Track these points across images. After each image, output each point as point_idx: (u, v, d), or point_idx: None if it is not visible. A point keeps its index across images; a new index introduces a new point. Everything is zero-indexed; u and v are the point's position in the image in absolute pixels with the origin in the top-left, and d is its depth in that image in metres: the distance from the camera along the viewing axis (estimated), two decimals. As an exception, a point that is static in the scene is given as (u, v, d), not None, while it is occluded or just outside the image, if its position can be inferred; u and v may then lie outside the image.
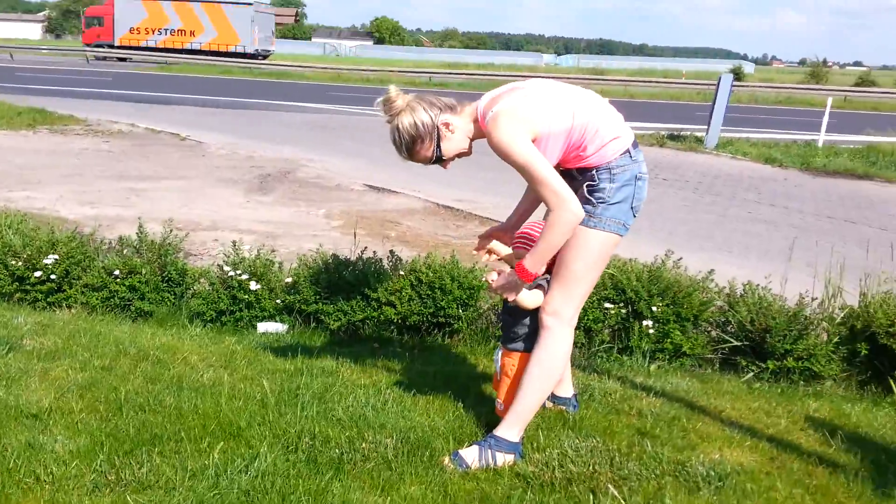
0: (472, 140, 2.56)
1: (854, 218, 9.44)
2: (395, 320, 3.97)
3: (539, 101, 2.41)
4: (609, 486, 2.30)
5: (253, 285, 4.15)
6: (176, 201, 8.44)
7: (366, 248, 4.43)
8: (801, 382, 3.49)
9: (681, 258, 3.92)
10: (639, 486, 2.33)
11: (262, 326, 4.17)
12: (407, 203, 9.63)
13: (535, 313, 2.53)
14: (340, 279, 4.10)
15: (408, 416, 2.79)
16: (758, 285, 3.83)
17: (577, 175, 2.50)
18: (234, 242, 4.46)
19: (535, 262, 2.37)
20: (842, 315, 3.59)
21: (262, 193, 9.45)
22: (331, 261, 4.23)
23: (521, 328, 2.58)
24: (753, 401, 3.19)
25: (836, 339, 3.51)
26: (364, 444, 2.54)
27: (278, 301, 4.18)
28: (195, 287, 4.42)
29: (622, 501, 2.23)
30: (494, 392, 2.73)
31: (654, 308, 3.68)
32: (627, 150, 2.45)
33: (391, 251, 4.32)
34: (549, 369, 2.51)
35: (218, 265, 4.41)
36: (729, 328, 3.74)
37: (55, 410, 2.75)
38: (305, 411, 2.78)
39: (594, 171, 2.44)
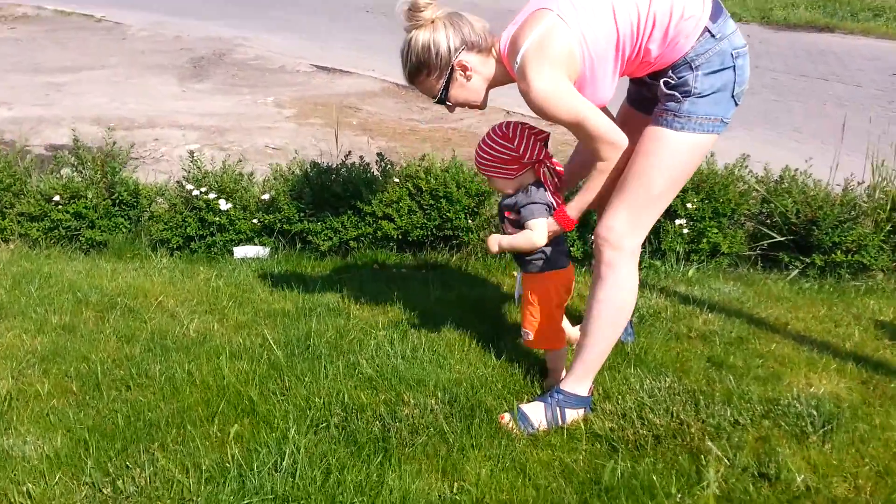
0: (495, 86, 2.10)
1: (826, 75, 9.12)
2: (395, 236, 3.47)
3: (567, 17, 1.87)
4: (708, 442, 1.96)
5: (223, 204, 3.56)
6: (102, 95, 7.48)
7: (350, 152, 3.85)
8: (848, 277, 3.19)
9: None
10: (739, 439, 1.99)
11: (240, 251, 3.63)
12: (363, 84, 8.82)
13: None
14: (326, 192, 3.55)
15: (445, 364, 2.38)
16: (796, 170, 3.45)
17: (648, 80, 2.02)
18: (191, 153, 3.80)
19: (580, 210, 2.10)
20: (887, 199, 3.26)
21: (197, 80, 8.50)
22: (311, 170, 3.64)
23: (539, 254, 2.18)
24: (813, 306, 2.89)
25: (888, 227, 3.19)
26: (406, 410, 2.13)
27: (255, 221, 3.62)
28: (152, 208, 3.79)
29: (728, 462, 1.89)
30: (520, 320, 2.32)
31: (688, 205, 3.27)
32: (706, 29, 1.91)
33: (380, 155, 3.75)
34: (618, 313, 2.09)
35: (177, 182, 3.77)
36: (769, 221, 3.37)
37: (16, 397, 2.23)
38: (326, 370, 2.33)
39: (668, 70, 1.94)
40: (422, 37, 2.00)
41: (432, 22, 2.00)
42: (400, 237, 3.48)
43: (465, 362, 2.40)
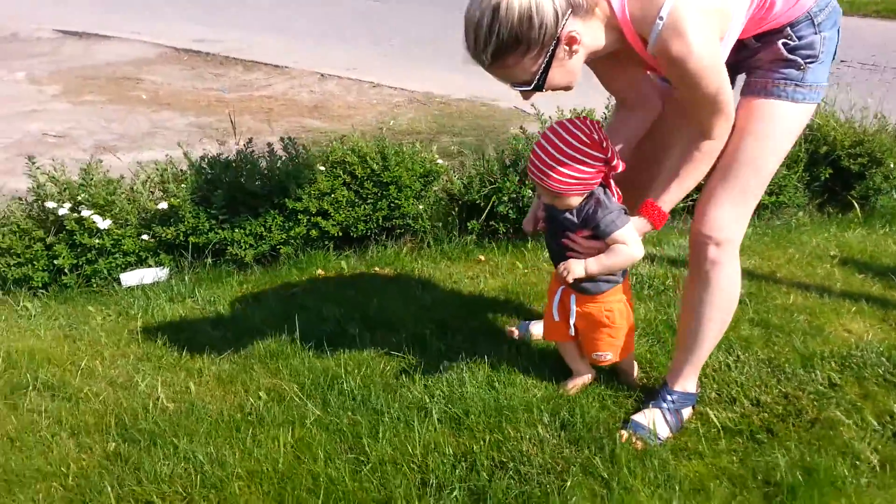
0: (588, 60, 1.67)
1: None
2: (335, 234, 2.96)
3: None
4: (833, 411, 1.92)
5: (101, 222, 2.74)
6: None
7: (251, 138, 3.19)
8: (772, 217, 3.40)
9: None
10: (848, 401, 1.98)
11: (131, 277, 2.85)
12: (132, 50, 7.57)
13: None
14: (241, 191, 2.90)
15: (511, 383, 2.05)
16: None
17: (754, 42, 1.76)
18: (29, 158, 2.87)
19: (675, 203, 1.79)
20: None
21: None
22: (212, 167, 2.95)
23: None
24: (777, 249, 3.01)
25: (801, 167, 3.43)
26: (523, 447, 1.79)
27: (145, 237, 2.85)
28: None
29: (872, 435, 1.86)
30: (554, 343, 2.10)
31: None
32: None
33: (287, 139, 3.16)
34: (728, 310, 1.89)
35: (18, 199, 2.83)
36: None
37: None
38: (397, 422, 1.88)
39: (787, 28, 1.71)
40: (517, 1, 1.47)
41: None
42: (339, 234, 2.97)
43: (516, 376, 2.08)
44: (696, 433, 1.88)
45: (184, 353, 2.27)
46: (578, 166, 1.71)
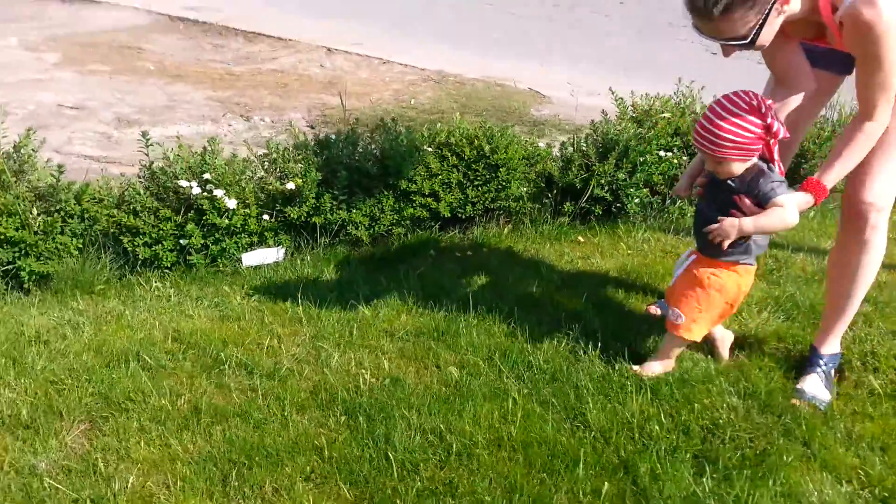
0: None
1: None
2: (445, 215, 3.06)
3: None
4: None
5: (229, 202, 2.77)
6: None
7: (357, 118, 3.24)
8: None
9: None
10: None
11: (252, 257, 2.88)
12: (124, 17, 7.31)
13: None
14: (359, 172, 2.96)
15: (680, 357, 2.22)
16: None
17: None
18: (177, 138, 2.85)
19: (836, 180, 1.92)
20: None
21: None
22: (333, 147, 3.01)
23: (741, 241, 2.00)
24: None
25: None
26: (723, 416, 1.98)
27: (266, 217, 2.88)
28: (100, 218, 2.78)
29: None
30: (666, 303, 2.19)
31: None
32: None
33: (392, 120, 3.22)
34: (875, 272, 2.14)
35: (144, 177, 2.82)
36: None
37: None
38: (600, 402, 2.03)
39: None
40: None
41: None
42: (448, 216, 3.08)
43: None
44: (858, 399, 2.11)
45: (354, 331, 2.35)
46: (738, 130, 1.84)
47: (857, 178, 2.00)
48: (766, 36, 1.75)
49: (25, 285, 2.60)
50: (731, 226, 1.91)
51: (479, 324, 2.39)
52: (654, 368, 2.12)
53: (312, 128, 5.35)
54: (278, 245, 2.92)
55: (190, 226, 2.70)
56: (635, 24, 9.33)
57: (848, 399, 2.12)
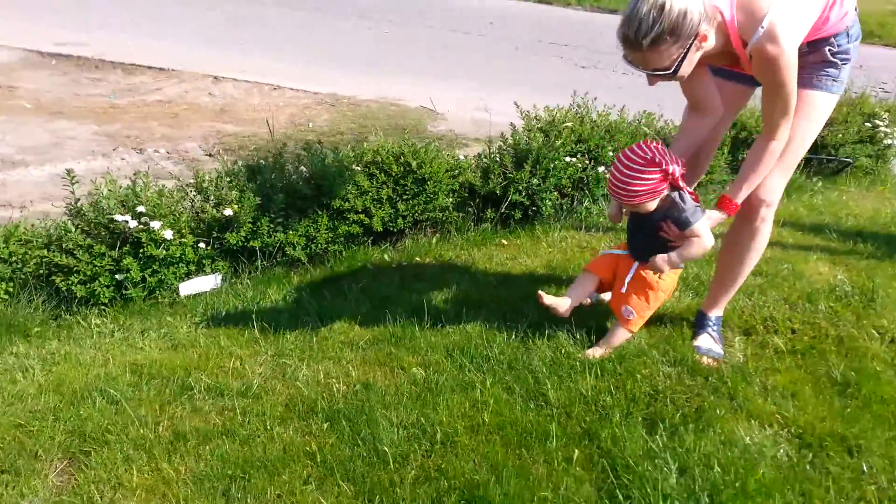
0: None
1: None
2: (378, 230, 3.21)
3: None
4: (854, 331, 2.58)
5: (167, 233, 2.78)
6: None
7: (285, 144, 3.32)
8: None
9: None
10: (859, 327, 2.64)
11: (190, 286, 2.90)
12: (-14, 55, 6.87)
13: None
14: (294, 194, 3.06)
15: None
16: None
17: (805, 47, 2.20)
18: (68, 172, 2.80)
19: (746, 194, 2.23)
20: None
21: None
22: (266, 172, 3.07)
23: (655, 250, 2.29)
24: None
25: (727, 150, 4.17)
26: (661, 383, 2.25)
27: (202, 245, 2.91)
28: (29, 259, 2.71)
29: (882, 340, 2.54)
30: (619, 301, 2.42)
31: (611, 153, 3.77)
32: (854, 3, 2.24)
33: (316, 142, 3.33)
34: (759, 255, 2.45)
35: (71, 214, 2.77)
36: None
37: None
38: (556, 383, 2.24)
39: (832, 38, 2.18)
40: (678, 4, 1.85)
41: None
42: (381, 230, 3.22)
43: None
44: (766, 357, 2.44)
45: (314, 345, 2.44)
46: (642, 181, 2.14)
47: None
48: (686, 68, 2.00)
49: (-44, 335, 2.49)
50: (663, 261, 2.23)
51: (431, 326, 2.54)
52: (599, 352, 2.36)
53: (210, 156, 5.32)
54: (215, 272, 2.94)
55: (127, 259, 2.68)
56: (509, 43, 9.83)
57: (758, 358, 2.44)
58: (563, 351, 2.37)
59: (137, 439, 1.93)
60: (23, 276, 2.64)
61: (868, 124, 4.59)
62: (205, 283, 2.91)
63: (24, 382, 2.22)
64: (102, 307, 2.71)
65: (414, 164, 3.21)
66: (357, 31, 9.75)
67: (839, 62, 2.23)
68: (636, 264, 2.38)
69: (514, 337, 2.45)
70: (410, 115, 6.38)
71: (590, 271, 2.46)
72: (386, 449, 1.91)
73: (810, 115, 2.26)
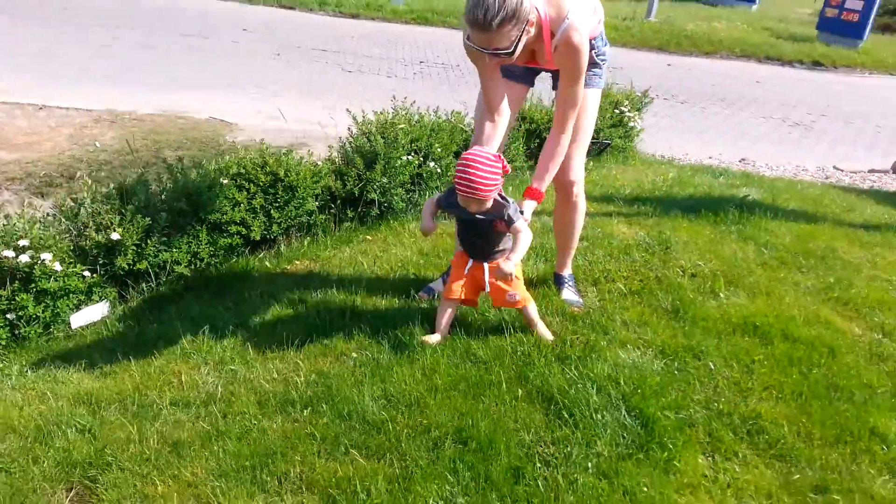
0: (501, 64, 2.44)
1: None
2: (256, 239, 3.37)
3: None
4: (668, 273, 3.36)
5: (56, 265, 2.70)
6: None
7: (147, 163, 3.28)
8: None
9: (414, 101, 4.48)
10: (668, 268, 3.45)
11: (79, 318, 2.84)
12: None
13: None
14: (173, 211, 3.10)
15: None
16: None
17: None
18: None
19: (546, 185, 2.65)
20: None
21: None
22: (128, 196, 3.06)
23: (503, 243, 2.69)
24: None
25: (522, 139, 4.90)
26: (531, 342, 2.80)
27: (86, 274, 2.86)
28: None
29: (689, 280, 3.35)
30: (490, 298, 2.75)
31: (438, 149, 4.27)
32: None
33: (178, 160, 3.36)
34: (583, 220, 3.04)
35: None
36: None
37: None
38: (450, 360, 2.67)
39: (593, 41, 2.66)
40: None
41: None
42: (258, 239, 3.38)
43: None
44: (612, 300, 3.10)
45: (249, 349, 2.59)
46: (491, 178, 2.49)
47: (563, 164, 2.78)
48: (518, 50, 2.30)
49: None
50: (507, 268, 2.49)
51: (348, 316, 2.81)
52: (543, 330, 2.73)
53: (-7, 186, 4.86)
54: (103, 299, 2.90)
55: (23, 296, 2.56)
56: (269, 49, 9.92)
57: (610, 301, 3.09)
58: (488, 315, 2.79)
59: (137, 455, 1.99)
60: None
61: (617, 111, 5.64)
62: (95, 311, 2.85)
63: (-40, 435, 2.10)
64: (-5, 350, 2.55)
65: (281, 172, 3.40)
66: (113, 43, 9.16)
67: (600, 63, 2.80)
68: (485, 263, 2.70)
69: (425, 309, 2.83)
70: (202, 127, 6.30)
71: (449, 300, 2.68)
72: (373, 418, 2.19)
73: (589, 109, 2.80)
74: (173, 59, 8.65)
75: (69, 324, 2.76)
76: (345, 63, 9.61)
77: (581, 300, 3.07)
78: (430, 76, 9.48)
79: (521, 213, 2.57)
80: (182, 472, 1.94)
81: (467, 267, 2.70)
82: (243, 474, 1.94)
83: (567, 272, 3.17)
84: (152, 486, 1.89)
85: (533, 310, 2.76)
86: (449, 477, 2.00)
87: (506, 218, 2.54)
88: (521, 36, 2.29)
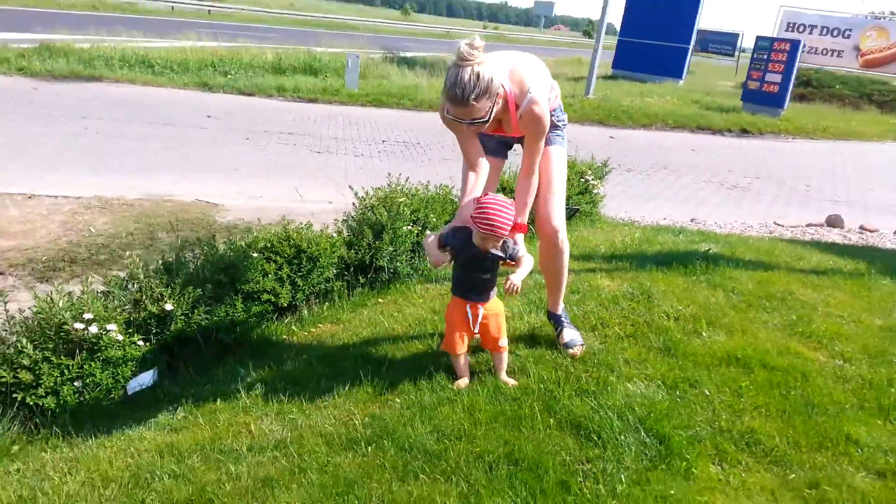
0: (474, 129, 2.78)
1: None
2: (284, 305, 3.68)
3: (544, 77, 3.04)
4: (656, 318, 3.80)
5: (118, 335, 2.97)
6: None
7: (186, 240, 3.58)
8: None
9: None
10: (656, 310, 3.89)
11: (135, 383, 3.08)
12: None
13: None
14: (214, 282, 3.40)
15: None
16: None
17: None
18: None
19: (526, 216, 3.02)
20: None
21: None
22: (193, 263, 3.36)
23: (494, 283, 3.06)
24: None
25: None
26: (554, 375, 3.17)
27: (140, 342, 3.12)
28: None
29: (677, 313, 3.78)
30: (479, 340, 3.08)
31: (434, 219, 4.68)
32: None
33: (212, 236, 3.68)
34: (567, 262, 3.28)
35: (20, 328, 2.79)
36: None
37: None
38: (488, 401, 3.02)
39: (554, 110, 3.13)
40: (484, 70, 2.58)
41: (486, 59, 2.63)
42: (284, 306, 3.69)
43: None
44: (610, 342, 3.50)
45: (303, 400, 2.88)
46: (509, 218, 2.88)
47: (545, 215, 3.14)
48: (491, 118, 2.68)
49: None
50: (517, 283, 2.83)
51: (385, 369, 3.13)
52: (506, 377, 3.07)
53: (1, 273, 5.04)
54: (154, 366, 3.14)
55: (91, 364, 2.81)
56: (238, 134, 10.32)
57: (609, 343, 3.48)
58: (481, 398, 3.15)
59: (235, 492, 2.24)
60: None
61: (582, 180, 6.20)
62: (147, 377, 3.09)
63: (65, 485, 2.31)
64: (64, 416, 2.77)
65: (304, 244, 3.75)
66: (83, 133, 9.42)
67: (561, 126, 3.28)
68: (480, 309, 2.98)
69: (435, 372, 3.15)
70: (190, 209, 6.60)
71: (457, 354, 2.99)
72: (431, 448, 2.50)
73: (556, 161, 3.21)
74: (146, 146, 8.95)
75: (125, 390, 2.98)
76: (312, 144, 10.07)
77: (580, 337, 3.35)
78: (394, 154, 10.02)
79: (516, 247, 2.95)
80: (280, 501, 2.20)
81: (466, 310, 2.96)
82: (332, 501, 2.22)
83: (561, 308, 3.41)
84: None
85: (506, 357, 3.07)
86: (509, 492, 2.31)
87: (510, 251, 2.91)
88: (492, 107, 2.67)
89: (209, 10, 39.26)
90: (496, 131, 3.04)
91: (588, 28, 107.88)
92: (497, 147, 3.23)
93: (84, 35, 18.38)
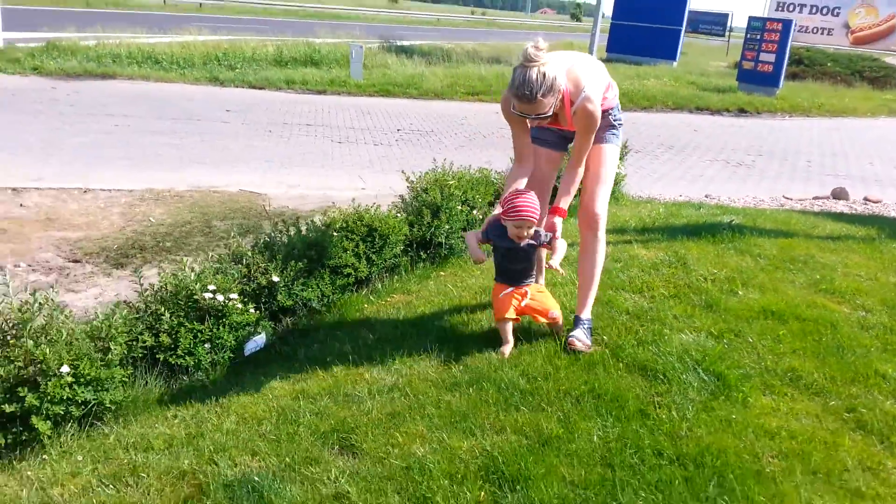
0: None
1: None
2: (363, 279, 4.09)
3: (601, 77, 3.35)
4: (688, 291, 4.23)
5: (238, 303, 3.38)
6: None
7: (277, 221, 3.99)
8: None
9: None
10: (693, 275, 4.32)
11: (251, 345, 3.50)
12: None
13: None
14: (307, 258, 3.82)
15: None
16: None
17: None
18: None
19: (568, 203, 3.27)
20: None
21: None
22: (287, 242, 3.77)
23: (532, 269, 3.36)
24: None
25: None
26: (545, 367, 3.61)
27: (252, 310, 3.53)
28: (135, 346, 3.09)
29: (711, 283, 4.22)
30: (531, 317, 3.38)
31: (479, 200, 5.10)
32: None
33: (282, 221, 4.08)
34: (604, 257, 3.47)
35: (157, 297, 3.20)
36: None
37: None
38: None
39: (611, 109, 3.36)
40: (549, 70, 2.85)
41: (551, 59, 2.90)
42: (362, 279, 4.11)
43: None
44: (663, 299, 3.94)
45: (394, 358, 3.30)
46: (535, 208, 3.22)
47: (588, 201, 3.35)
48: (552, 112, 2.97)
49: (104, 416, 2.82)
50: (556, 266, 3.19)
51: (469, 327, 3.56)
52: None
53: (77, 261, 5.43)
54: (263, 330, 3.56)
55: (220, 329, 3.22)
56: (261, 127, 10.69)
57: (657, 303, 3.92)
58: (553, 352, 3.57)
59: (371, 423, 2.67)
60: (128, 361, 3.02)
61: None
62: (260, 340, 3.51)
63: (223, 423, 2.73)
64: (203, 375, 3.19)
65: (375, 223, 4.16)
66: (114, 130, 9.77)
67: (617, 126, 3.56)
68: (525, 288, 3.31)
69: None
70: (238, 199, 6.99)
71: (505, 319, 3.28)
72: (524, 387, 2.93)
73: (608, 158, 3.49)
74: (180, 140, 9.32)
75: (244, 351, 3.40)
76: (332, 135, 10.45)
77: (590, 343, 3.31)
78: (411, 142, 10.41)
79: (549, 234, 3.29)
80: (410, 429, 2.64)
81: (506, 291, 3.32)
82: (453, 427, 2.65)
83: (585, 315, 3.39)
84: (395, 438, 2.58)
85: (562, 325, 3.42)
86: (597, 418, 2.75)
87: (542, 238, 3.28)
88: (555, 103, 2.96)
89: (200, 4, 39.38)
90: (552, 124, 3.32)
91: (576, 11, 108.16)
92: (556, 140, 3.54)
93: (87, 32, 18.63)
